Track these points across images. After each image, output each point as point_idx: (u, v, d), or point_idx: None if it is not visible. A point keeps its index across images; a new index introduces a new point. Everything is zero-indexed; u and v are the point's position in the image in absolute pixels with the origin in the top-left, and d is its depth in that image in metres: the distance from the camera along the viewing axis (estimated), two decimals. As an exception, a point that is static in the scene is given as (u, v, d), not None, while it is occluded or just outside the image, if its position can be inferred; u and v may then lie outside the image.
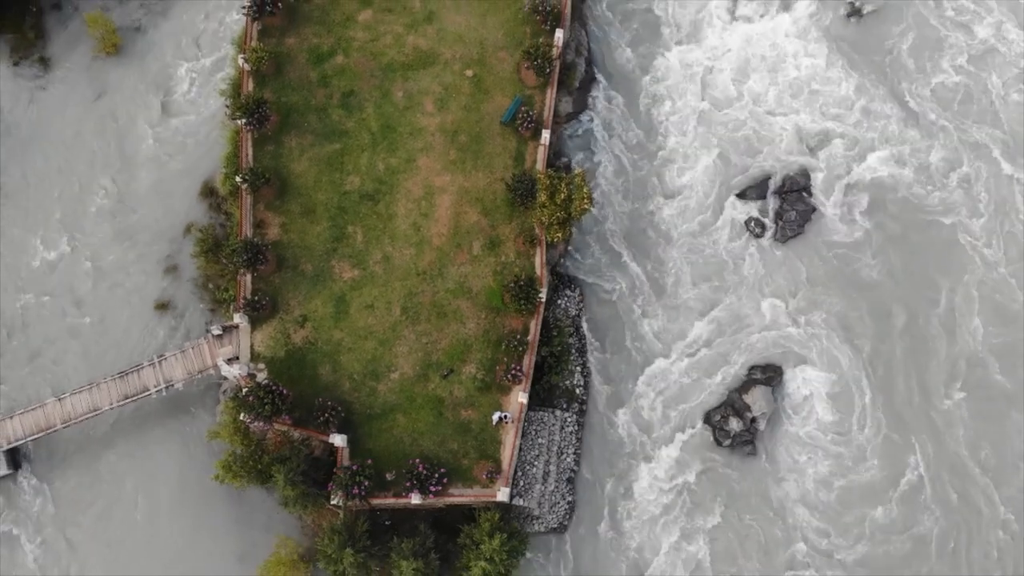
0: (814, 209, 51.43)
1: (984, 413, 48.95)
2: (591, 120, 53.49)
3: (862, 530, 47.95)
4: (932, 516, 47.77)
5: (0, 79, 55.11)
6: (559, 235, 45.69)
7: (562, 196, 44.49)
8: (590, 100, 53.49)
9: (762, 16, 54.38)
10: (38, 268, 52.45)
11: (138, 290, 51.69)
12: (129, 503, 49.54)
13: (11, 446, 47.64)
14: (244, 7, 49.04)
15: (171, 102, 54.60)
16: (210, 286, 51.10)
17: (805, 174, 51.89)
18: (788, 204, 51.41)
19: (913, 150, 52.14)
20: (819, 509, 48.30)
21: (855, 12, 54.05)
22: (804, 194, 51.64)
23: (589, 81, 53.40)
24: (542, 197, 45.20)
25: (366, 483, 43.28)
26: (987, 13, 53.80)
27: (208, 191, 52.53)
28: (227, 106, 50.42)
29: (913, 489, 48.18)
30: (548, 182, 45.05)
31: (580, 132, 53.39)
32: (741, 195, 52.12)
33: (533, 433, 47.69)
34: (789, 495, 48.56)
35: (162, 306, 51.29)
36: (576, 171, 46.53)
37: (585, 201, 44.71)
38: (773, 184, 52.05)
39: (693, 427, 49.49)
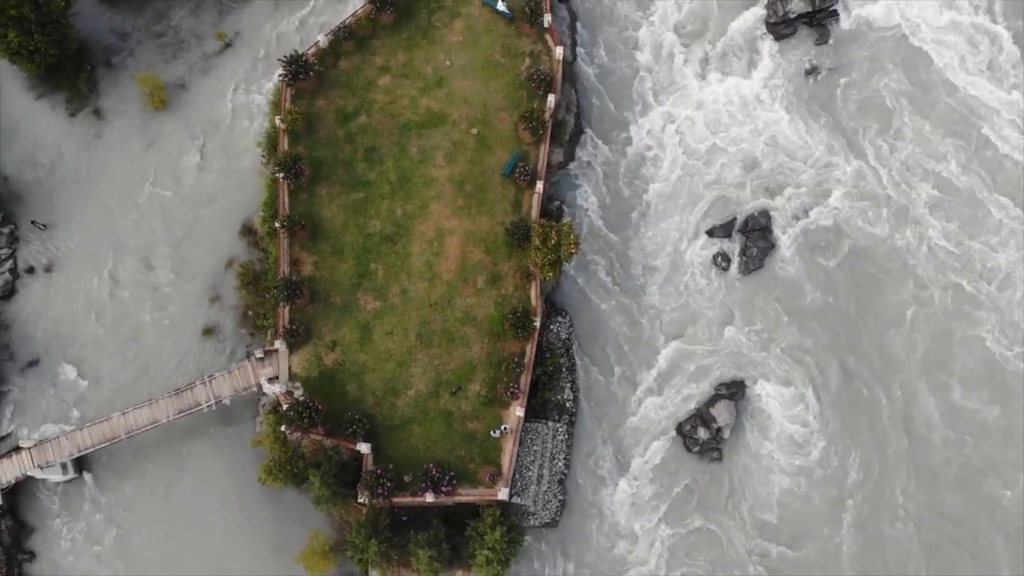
0: (774, 246, 56.39)
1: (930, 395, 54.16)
2: (579, 168, 58.26)
3: (811, 529, 53.28)
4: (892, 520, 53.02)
5: (58, 129, 60.03)
6: (551, 274, 50.97)
7: (553, 241, 49.67)
8: (579, 150, 58.38)
9: (731, 75, 59.02)
10: (99, 299, 57.40)
11: (187, 318, 56.91)
12: (180, 503, 54.75)
13: (81, 454, 53.21)
14: (280, 74, 54.26)
15: (213, 151, 59.21)
16: (249, 314, 56.35)
17: (766, 215, 56.65)
18: (751, 241, 56.37)
19: (866, 198, 56.16)
20: (774, 510, 53.44)
21: (814, 71, 58.62)
22: (765, 232, 56.42)
23: (578, 134, 58.33)
24: (536, 242, 50.27)
25: (388, 484, 48.83)
26: (944, 67, 57.51)
27: (247, 230, 57.51)
28: (263, 156, 55.74)
29: (858, 482, 53.50)
30: (541, 230, 50.14)
31: (569, 178, 58.13)
32: (710, 233, 57.07)
33: (529, 441, 52.54)
34: (748, 494, 53.61)
35: (208, 331, 56.63)
36: (565, 220, 51.67)
37: (572, 246, 49.73)
38: (738, 223, 56.89)
39: (666, 435, 54.66)
